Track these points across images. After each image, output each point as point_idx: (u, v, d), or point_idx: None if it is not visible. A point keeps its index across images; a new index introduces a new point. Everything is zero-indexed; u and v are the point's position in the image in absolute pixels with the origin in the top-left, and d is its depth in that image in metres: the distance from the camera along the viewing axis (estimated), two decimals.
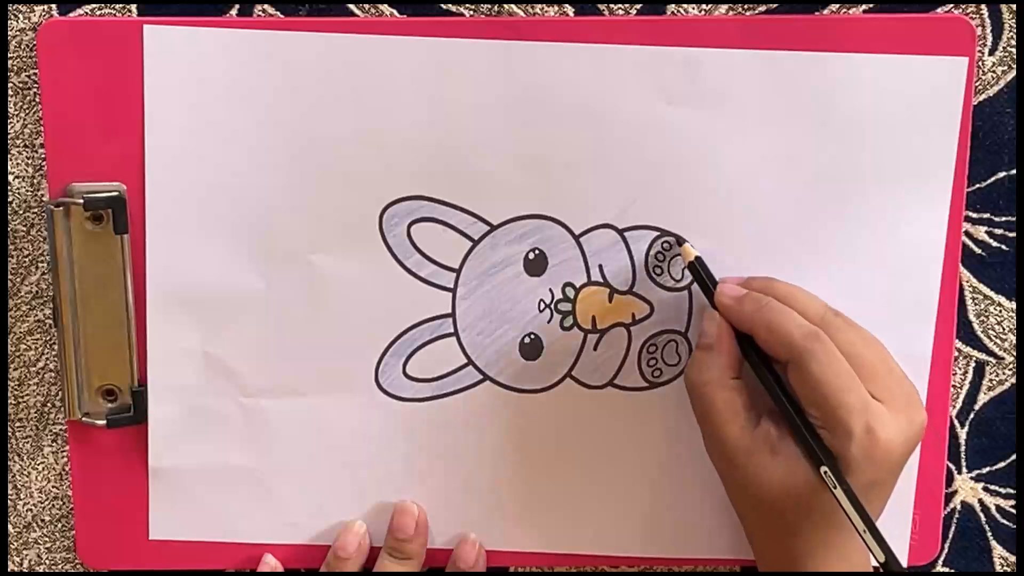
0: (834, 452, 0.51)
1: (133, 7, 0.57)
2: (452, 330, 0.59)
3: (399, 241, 0.58)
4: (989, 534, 0.62)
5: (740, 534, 0.60)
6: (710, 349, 0.55)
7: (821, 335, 0.52)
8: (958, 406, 0.61)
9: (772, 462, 0.53)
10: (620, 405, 0.60)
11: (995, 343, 0.60)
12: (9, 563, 0.62)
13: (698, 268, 0.57)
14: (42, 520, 0.62)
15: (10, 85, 0.57)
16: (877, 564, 0.51)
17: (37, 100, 0.57)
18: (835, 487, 0.50)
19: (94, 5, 0.57)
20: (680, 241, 0.58)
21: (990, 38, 0.57)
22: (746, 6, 0.57)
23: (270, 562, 0.61)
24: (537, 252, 0.59)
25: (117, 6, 0.57)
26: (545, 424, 0.60)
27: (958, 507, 0.62)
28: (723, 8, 0.57)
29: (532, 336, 0.59)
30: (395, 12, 0.57)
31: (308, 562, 0.61)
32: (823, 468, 0.51)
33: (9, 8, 0.57)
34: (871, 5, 0.57)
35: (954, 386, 0.61)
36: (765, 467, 0.53)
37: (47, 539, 0.62)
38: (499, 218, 0.58)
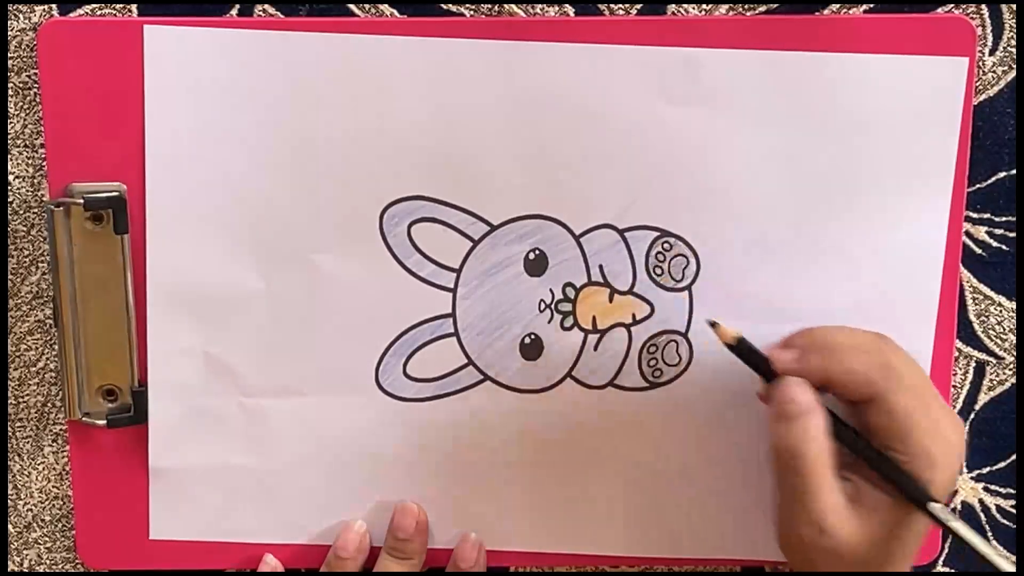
0: (922, 477, 0.51)
1: (133, 7, 0.57)
2: (452, 330, 0.59)
3: (399, 241, 0.58)
4: (989, 534, 0.62)
5: (740, 534, 0.60)
6: (807, 414, 0.52)
7: (891, 364, 0.52)
8: (958, 406, 0.61)
9: (853, 514, 0.52)
10: (620, 405, 0.60)
11: (995, 343, 0.60)
12: (9, 563, 0.62)
13: (742, 348, 0.54)
14: (42, 520, 0.62)
15: (10, 85, 0.57)
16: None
17: (37, 100, 0.57)
18: (948, 520, 0.50)
19: (94, 5, 0.57)
20: (712, 323, 0.55)
21: (990, 38, 0.57)
22: (746, 6, 0.57)
23: (270, 562, 0.61)
24: (537, 252, 0.59)
25: (117, 6, 0.57)
26: (545, 424, 0.60)
27: (958, 507, 0.62)
28: (723, 8, 0.57)
29: (532, 336, 0.59)
30: (395, 12, 0.57)
31: (308, 562, 0.61)
32: (931, 504, 0.50)
33: (9, 8, 0.57)
34: (871, 5, 0.57)
35: (954, 386, 0.61)
36: (846, 520, 0.52)
37: (47, 539, 0.62)
38: (499, 218, 0.58)
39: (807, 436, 0.52)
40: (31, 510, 0.62)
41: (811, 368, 0.53)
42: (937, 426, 0.51)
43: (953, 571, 0.62)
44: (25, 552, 0.62)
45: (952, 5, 0.57)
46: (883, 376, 0.51)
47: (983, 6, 0.57)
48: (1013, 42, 0.57)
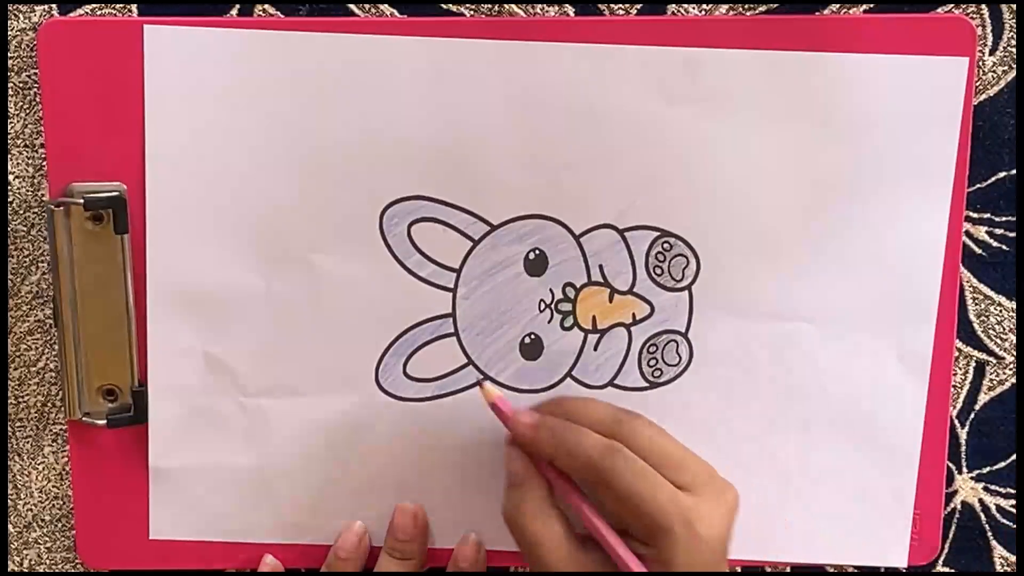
0: (661, 558, 0.51)
1: (133, 7, 0.57)
2: (452, 330, 0.59)
3: (399, 241, 0.58)
4: (989, 534, 0.62)
5: (739, 534, 0.60)
6: (521, 485, 0.55)
7: (617, 447, 0.52)
8: (958, 406, 0.61)
9: None
10: (620, 405, 0.60)
11: (995, 343, 0.60)
12: (9, 563, 0.62)
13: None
14: (42, 520, 0.62)
15: (10, 85, 0.57)
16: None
17: (37, 100, 0.57)
18: None
19: (94, 5, 0.57)
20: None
21: (990, 38, 0.57)
22: (746, 6, 0.57)
23: (270, 562, 0.61)
24: (537, 252, 0.59)
25: (117, 6, 0.57)
26: None
27: (958, 507, 0.62)
28: (723, 8, 0.57)
29: (532, 336, 0.59)
30: (395, 12, 0.57)
31: (308, 562, 0.61)
32: None
33: (9, 8, 0.57)
34: (871, 5, 0.57)
35: (954, 386, 0.61)
36: None
37: (47, 539, 0.62)
38: (499, 218, 0.58)
39: (517, 507, 0.54)
40: (31, 510, 0.62)
41: (541, 443, 0.54)
42: (680, 504, 0.51)
43: (953, 571, 0.62)
44: (25, 552, 0.62)
45: (952, 5, 0.57)
46: (605, 460, 0.52)
47: (983, 6, 0.57)
48: (1013, 42, 0.57)
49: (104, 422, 0.59)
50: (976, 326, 0.60)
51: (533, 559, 0.54)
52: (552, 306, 0.59)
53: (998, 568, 0.62)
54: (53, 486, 0.61)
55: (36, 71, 0.57)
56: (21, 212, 0.59)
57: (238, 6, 0.57)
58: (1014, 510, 0.62)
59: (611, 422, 0.54)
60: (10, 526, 0.62)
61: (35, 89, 0.57)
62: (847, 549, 0.61)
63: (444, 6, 0.57)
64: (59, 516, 0.62)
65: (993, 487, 0.62)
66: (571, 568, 0.53)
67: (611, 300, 0.59)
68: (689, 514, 0.51)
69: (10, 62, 0.57)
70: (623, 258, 0.59)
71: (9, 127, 0.58)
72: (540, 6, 0.57)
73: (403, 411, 0.60)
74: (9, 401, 0.60)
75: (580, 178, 0.57)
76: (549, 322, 0.59)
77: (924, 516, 0.61)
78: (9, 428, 0.61)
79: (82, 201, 0.57)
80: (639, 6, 0.57)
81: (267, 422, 0.60)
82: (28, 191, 0.59)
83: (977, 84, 0.57)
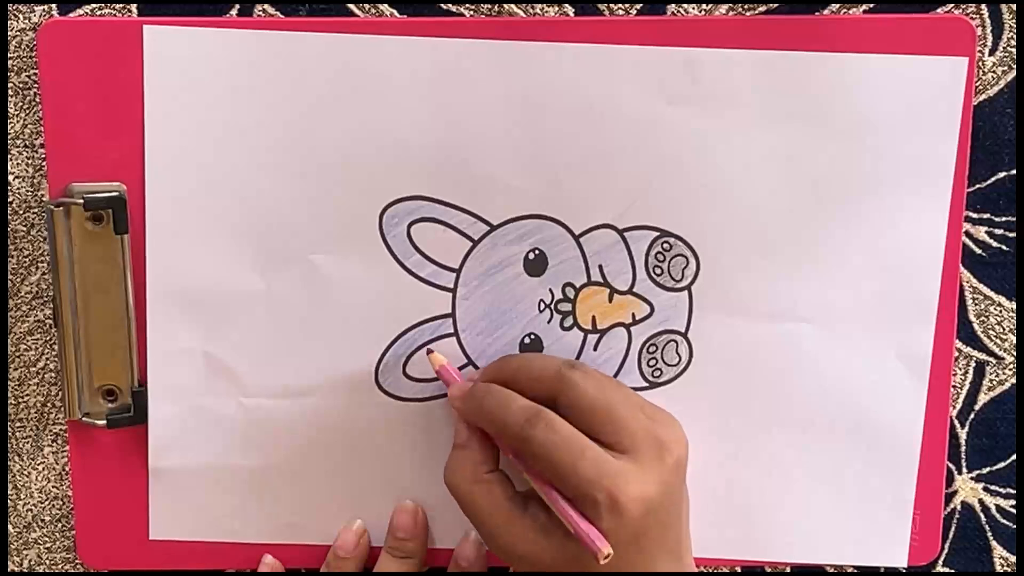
0: (590, 521, 0.51)
1: (133, 7, 0.57)
2: (452, 330, 0.59)
3: (399, 241, 0.58)
4: (989, 534, 0.62)
5: (740, 534, 0.60)
6: (462, 447, 0.55)
7: (540, 414, 0.52)
8: (958, 406, 0.61)
9: (546, 545, 0.52)
10: None
11: (995, 343, 0.60)
12: (9, 563, 0.62)
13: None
14: (42, 520, 0.62)
15: (10, 85, 0.57)
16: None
17: (37, 100, 0.57)
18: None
19: (94, 5, 0.57)
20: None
21: (990, 38, 0.57)
22: (746, 6, 0.57)
23: (270, 562, 0.61)
24: (537, 252, 0.59)
25: (117, 6, 0.57)
26: None
27: (958, 507, 0.62)
28: (723, 8, 0.57)
29: (532, 336, 0.59)
30: (395, 12, 0.57)
31: (308, 562, 0.61)
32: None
33: (9, 8, 0.57)
34: (871, 5, 0.57)
35: (954, 386, 0.61)
36: (539, 551, 0.52)
37: (47, 539, 0.62)
38: (499, 218, 0.58)
39: (455, 469, 0.55)
40: (31, 510, 0.62)
41: (468, 411, 0.55)
42: (604, 472, 0.50)
43: (953, 571, 0.62)
44: (25, 552, 0.62)
45: (952, 5, 0.57)
46: (523, 430, 0.51)
47: (983, 6, 0.57)
48: (1013, 42, 0.57)
49: (104, 422, 0.59)
50: (976, 326, 0.60)
51: (473, 523, 0.54)
52: (552, 306, 0.59)
53: (998, 568, 0.62)
54: (53, 486, 0.61)
55: (36, 71, 0.57)
56: (21, 212, 0.59)
57: (238, 6, 0.57)
58: (1014, 510, 0.62)
59: (553, 378, 0.53)
60: (10, 526, 0.62)
61: (35, 89, 0.57)
62: (847, 549, 0.61)
63: (444, 6, 0.57)
64: (59, 516, 0.62)
65: (993, 487, 0.62)
66: (509, 531, 0.53)
67: (611, 300, 0.59)
68: (614, 480, 0.50)
69: (10, 62, 0.57)
70: (623, 258, 0.59)
71: (9, 127, 0.58)
72: (540, 6, 0.57)
73: (403, 411, 0.60)
74: (9, 401, 0.60)
75: (580, 178, 0.57)
76: (549, 322, 0.59)
77: (924, 516, 0.61)
78: (9, 428, 0.61)
79: (82, 201, 0.57)
80: (639, 6, 0.57)
81: (267, 422, 0.60)
82: (28, 191, 0.59)
83: (977, 84, 0.57)
